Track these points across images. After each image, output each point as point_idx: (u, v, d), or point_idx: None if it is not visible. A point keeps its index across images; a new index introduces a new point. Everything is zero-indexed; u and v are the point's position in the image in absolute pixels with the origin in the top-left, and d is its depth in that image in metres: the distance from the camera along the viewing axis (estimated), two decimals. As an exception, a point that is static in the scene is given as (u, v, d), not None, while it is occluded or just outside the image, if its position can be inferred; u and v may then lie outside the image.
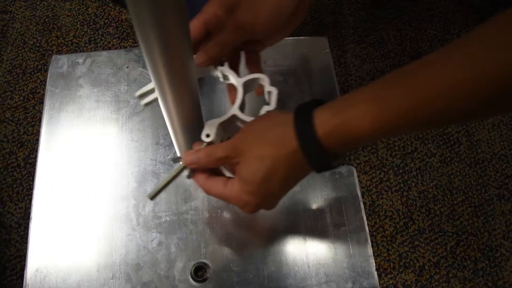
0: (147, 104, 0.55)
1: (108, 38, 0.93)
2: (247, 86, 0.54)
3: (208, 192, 0.53)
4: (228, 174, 0.54)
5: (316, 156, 0.43)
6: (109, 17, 0.96)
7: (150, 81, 0.51)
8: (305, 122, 0.42)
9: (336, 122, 0.41)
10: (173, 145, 0.70)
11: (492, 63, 0.34)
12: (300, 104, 0.45)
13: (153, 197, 0.54)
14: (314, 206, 0.72)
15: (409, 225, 0.80)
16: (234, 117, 0.53)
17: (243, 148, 0.47)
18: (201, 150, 0.51)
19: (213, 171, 0.55)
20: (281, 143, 0.44)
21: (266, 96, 0.54)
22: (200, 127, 0.52)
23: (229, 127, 0.54)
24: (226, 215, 0.71)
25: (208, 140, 0.52)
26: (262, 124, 0.47)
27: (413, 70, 0.39)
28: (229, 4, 0.51)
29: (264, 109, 0.52)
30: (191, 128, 0.52)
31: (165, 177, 0.54)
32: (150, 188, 0.71)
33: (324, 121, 0.42)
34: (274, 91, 0.53)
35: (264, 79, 0.54)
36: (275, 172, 0.45)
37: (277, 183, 0.47)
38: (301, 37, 0.87)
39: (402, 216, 0.81)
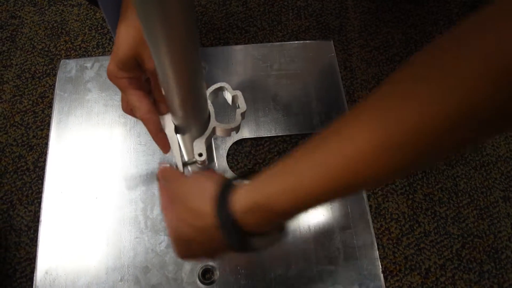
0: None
1: (115, 42, 0.94)
2: (212, 96, 0.57)
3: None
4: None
5: (233, 233, 0.42)
6: (117, 22, 0.97)
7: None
8: (223, 201, 0.42)
9: (253, 199, 0.41)
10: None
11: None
12: (224, 181, 0.44)
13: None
14: (320, 209, 0.72)
15: (414, 227, 0.81)
16: (214, 129, 0.55)
17: (176, 203, 0.47)
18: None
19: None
20: (202, 217, 0.44)
21: (229, 100, 0.57)
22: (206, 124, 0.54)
23: (209, 139, 0.56)
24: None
25: (202, 159, 0.54)
26: (193, 188, 0.47)
27: (319, 142, 0.39)
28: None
29: (238, 112, 0.55)
30: (198, 123, 0.53)
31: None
32: (158, 191, 0.72)
33: (242, 197, 0.41)
34: (239, 94, 0.56)
35: (226, 86, 0.56)
36: (193, 240, 0.45)
37: (198, 248, 0.46)
38: (307, 41, 0.88)
39: (408, 219, 0.81)
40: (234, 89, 0.57)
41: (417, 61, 0.33)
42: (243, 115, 0.55)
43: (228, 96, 0.57)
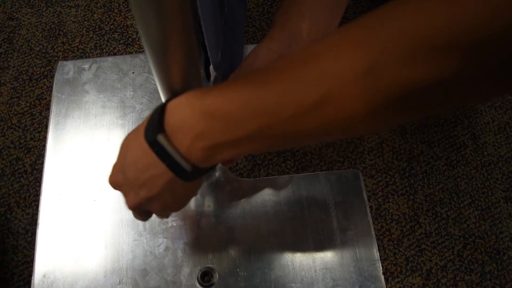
0: None
1: (113, 43, 0.94)
2: None
3: None
4: None
5: (155, 119, 0.40)
6: (115, 23, 0.97)
7: (155, 86, 0.52)
8: (157, 111, 0.40)
9: (182, 97, 0.39)
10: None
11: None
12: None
13: None
14: (321, 210, 0.72)
15: (415, 228, 0.80)
16: None
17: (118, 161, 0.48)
18: None
19: None
20: (138, 131, 0.43)
21: None
22: None
23: None
24: (233, 220, 0.71)
25: None
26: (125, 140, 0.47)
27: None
28: None
29: None
30: None
31: None
32: (157, 193, 0.72)
33: (173, 101, 0.40)
34: None
35: None
36: (127, 150, 0.44)
37: (131, 162, 0.44)
38: (306, 41, 0.87)
39: (409, 220, 0.80)
40: None
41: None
42: None
43: None
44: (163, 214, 0.52)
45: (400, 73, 0.28)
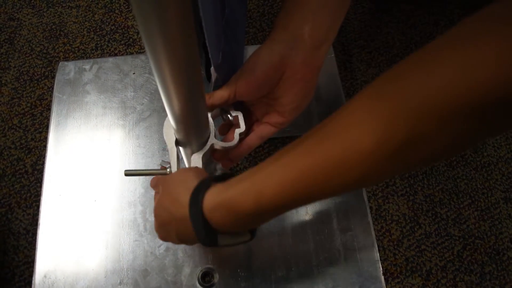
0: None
1: (114, 44, 0.94)
2: (215, 114, 0.60)
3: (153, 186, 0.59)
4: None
5: (201, 227, 0.44)
6: (116, 23, 0.97)
7: (156, 86, 0.53)
8: (197, 195, 0.45)
9: (221, 198, 0.43)
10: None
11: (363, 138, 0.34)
12: (206, 177, 0.48)
13: (127, 175, 0.59)
14: (321, 211, 0.72)
15: (415, 229, 0.80)
16: (212, 145, 0.57)
17: (162, 188, 0.52)
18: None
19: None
20: (178, 205, 0.47)
21: (230, 118, 0.59)
22: (205, 126, 0.55)
23: (207, 154, 0.58)
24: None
25: None
26: (179, 178, 0.51)
27: (291, 148, 0.40)
28: None
29: (236, 132, 0.57)
30: (198, 125, 0.53)
31: (148, 170, 0.60)
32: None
33: (212, 196, 0.44)
34: (240, 115, 0.58)
35: (228, 107, 0.59)
36: (169, 224, 0.49)
37: (173, 233, 0.50)
38: (306, 42, 0.87)
39: (409, 220, 0.81)
40: None
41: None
42: (241, 135, 0.57)
43: (232, 115, 0.59)
44: None
45: (435, 143, 0.30)
